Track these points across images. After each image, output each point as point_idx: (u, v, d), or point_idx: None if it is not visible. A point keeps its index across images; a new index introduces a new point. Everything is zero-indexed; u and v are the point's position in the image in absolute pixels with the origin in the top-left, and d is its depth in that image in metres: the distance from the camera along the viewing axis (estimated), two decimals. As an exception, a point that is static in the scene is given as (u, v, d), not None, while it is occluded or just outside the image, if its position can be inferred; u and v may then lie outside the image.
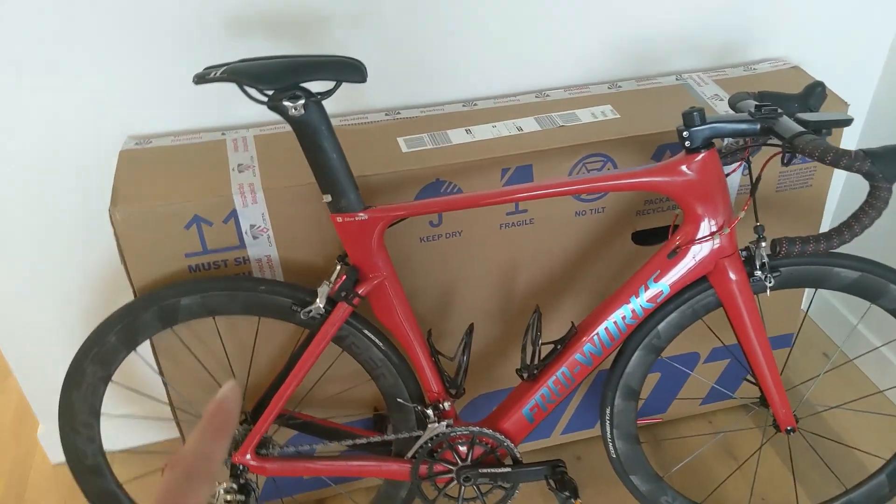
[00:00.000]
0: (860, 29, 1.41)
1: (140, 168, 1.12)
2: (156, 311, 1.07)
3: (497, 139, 1.17)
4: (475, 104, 1.27)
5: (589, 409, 1.47)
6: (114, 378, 1.11)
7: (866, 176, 0.90)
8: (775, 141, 0.99)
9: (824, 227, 1.67)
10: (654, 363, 1.18)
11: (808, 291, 1.80)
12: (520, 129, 1.19)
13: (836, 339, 1.72)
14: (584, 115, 1.22)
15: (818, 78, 1.34)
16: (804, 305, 1.76)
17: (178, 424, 1.23)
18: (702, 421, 1.57)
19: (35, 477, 1.50)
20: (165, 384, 1.19)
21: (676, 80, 1.31)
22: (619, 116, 1.22)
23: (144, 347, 1.12)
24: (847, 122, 0.99)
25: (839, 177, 1.63)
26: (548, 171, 1.16)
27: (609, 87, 1.30)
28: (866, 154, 0.90)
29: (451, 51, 1.24)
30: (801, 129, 0.95)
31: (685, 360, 1.45)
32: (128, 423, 1.50)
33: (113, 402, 1.44)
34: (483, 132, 1.18)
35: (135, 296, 1.11)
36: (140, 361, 1.36)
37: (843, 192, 1.66)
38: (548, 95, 1.28)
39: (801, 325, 1.42)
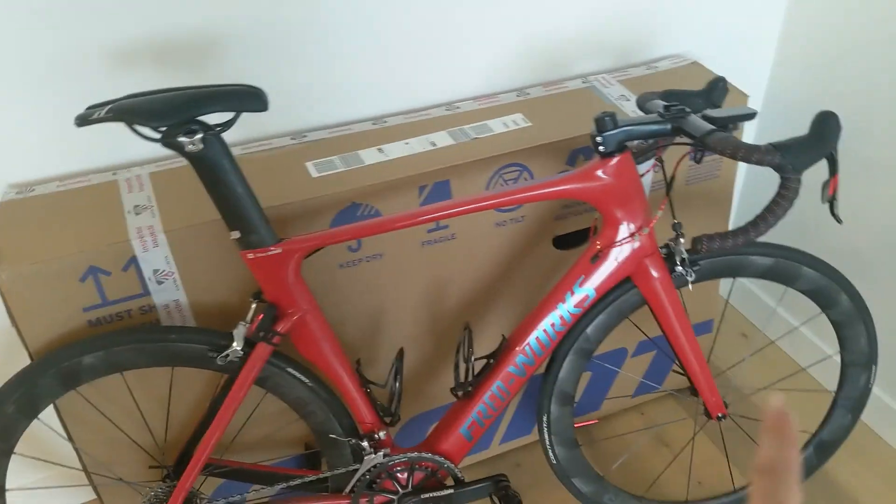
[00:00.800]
0: (750, 21, 1.45)
1: (24, 220, 1.02)
2: (55, 374, 0.98)
3: (411, 156, 1.13)
4: (385, 121, 1.23)
5: (525, 415, 1.46)
6: (16, 450, 1.01)
7: (777, 168, 0.92)
8: (686, 139, 1.00)
9: (732, 214, 1.73)
10: (585, 366, 1.18)
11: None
12: (433, 144, 1.16)
13: (757, 322, 1.78)
14: (496, 126, 1.20)
15: (715, 71, 1.37)
16: (725, 293, 1.82)
17: (94, 489, 1.14)
18: (635, 414, 1.59)
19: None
20: (76, 449, 1.09)
21: (583, 83, 1.32)
22: (530, 124, 1.21)
23: (49, 412, 1.03)
24: (751, 115, 1.01)
25: (743, 165, 1.68)
26: (465, 184, 1.13)
27: (518, 95, 1.29)
28: (775, 147, 0.92)
29: (355, 68, 1.20)
30: (711, 126, 0.96)
31: (614, 357, 1.47)
32: (39, 493, 1.38)
33: (20, 471, 1.32)
34: (396, 150, 1.15)
35: (31, 359, 1.01)
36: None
37: (746, 179, 1.71)
38: (458, 107, 1.26)
39: (724, 312, 1.45)
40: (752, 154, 0.91)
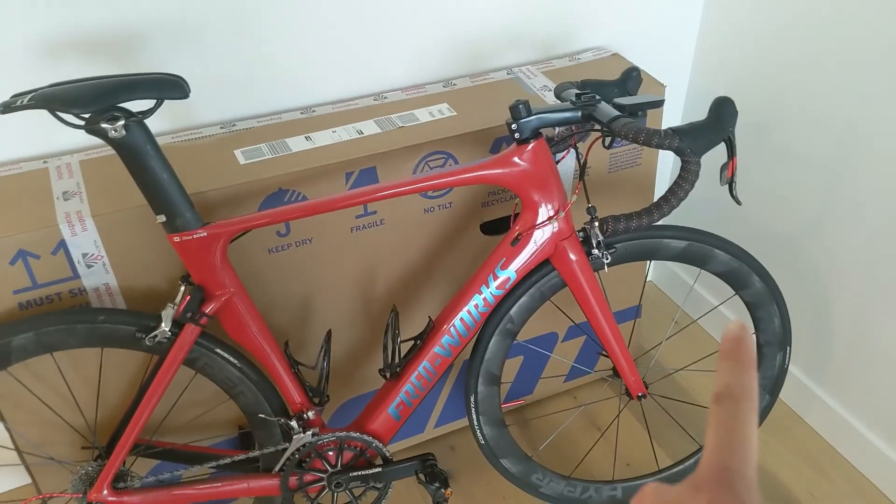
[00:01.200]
0: (670, 13, 1.52)
1: (-49, 204, 1.04)
2: (-16, 356, 1.00)
3: (338, 144, 1.17)
4: (313, 111, 1.26)
5: (458, 399, 1.51)
6: (-56, 432, 1.03)
7: (676, 152, 0.97)
8: (596, 126, 1.05)
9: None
10: (510, 347, 1.22)
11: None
12: (360, 132, 1.20)
13: (680, 302, 1.85)
14: (423, 115, 1.24)
15: (638, 63, 1.43)
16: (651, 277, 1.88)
17: (27, 469, 1.16)
18: (567, 398, 1.64)
19: None
20: (8, 430, 1.11)
21: (508, 74, 1.37)
22: (455, 114, 1.25)
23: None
24: (659, 103, 1.06)
25: (666, 154, 1.75)
26: (391, 171, 1.18)
27: (444, 86, 1.33)
28: (674, 132, 0.97)
29: (283, 58, 1.23)
30: (617, 113, 1.01)
31: (545, 341, 1.52)
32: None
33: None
34: (323, 138, 1.18)
35: (-42, 341, 1.03)
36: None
37: (672, 167, 1.78)
38: (385, 98, 1.30)
39: (641, 294, 1.51)
40: (652, 138, 0.96)
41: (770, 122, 1.46)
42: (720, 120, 0.98)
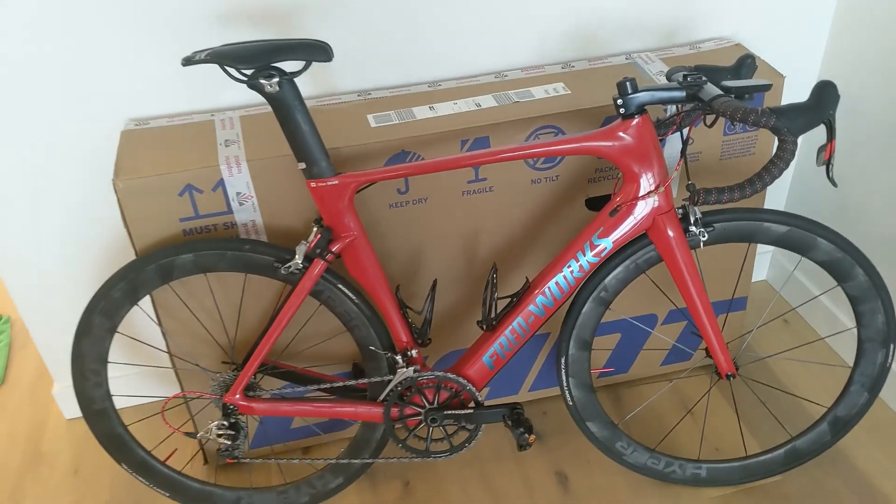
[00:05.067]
0: (802, 6, 1.52)
1: (139, 145, 1.26)
2: (154, 269, 1.21)
3: (457, 114, 1.29)
4: (439, 85, 1.40)
5: (553, 369, 1.59)
6: (119, 329, 1.25)
7: (773, 130, 1.01)
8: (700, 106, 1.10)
9: (769, 195, 1.78)
10: (602, 315, 1.30)
11: (763, 256, 1.90)
12: (478, 105, 1.32)
13: (779, 289, 1.82)
14: (538, 92, 1.34)
15: (763, 56, 1.45)
16: (762, 274, 1.86)
17: (175, 372, 1.37)
18: (661, 381, 1.67)
19: (50, 430, 1.65)
20: (164, 333, 1.33)
21: (626, 59, 1.43)
22: (569, 92, 1.34)
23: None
24: (766, 87, 1.09)
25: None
26: (503, 142, 1.28)
27: (563, 68, 1.42)
28: (772, 111, 1.01)
29: (417, 36, 1.38)
30: (719, 92, 1.06)
31: (644, 322, 1.57)
32: (130, 384, 1.64)
33: (118, 357, 1.58)
34: (445, 109, 1.31)
35: (136, 256, 1.25)
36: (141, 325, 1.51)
37: (794, 164, 1.76)
38: (506, 76, 1.41)
39: (741, 274, 1.51)
40: (749, 115, 1.01)
41: (898, 119, 1.43)
42: (821, 103, 1.01)
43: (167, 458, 1.39)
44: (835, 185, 1.04)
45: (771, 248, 1.89)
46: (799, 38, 1.55)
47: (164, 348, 1.35)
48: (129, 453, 1.34)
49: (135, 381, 1.65)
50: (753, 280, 1.91)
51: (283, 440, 1.53)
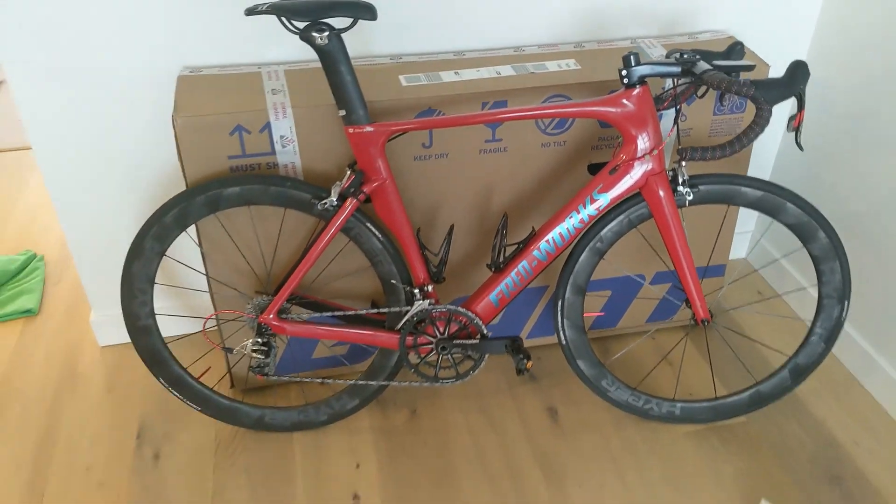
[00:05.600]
0: (791, 5, 1.70)
1: (195, 88, 1.42)
2: (204, 199, 1.36)
3: (479, 80, 1.46)
4: (464, 54, 1.56)
5: (550, 319, 1.76)
6: (167, 254, 1.40)
7: (752, 99, 1.18)
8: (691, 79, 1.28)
9: (755, 171, 1.97)
10: (597, 264, 1.46)
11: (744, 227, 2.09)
12: (498, 73, 1.48)
13: (746, 255, 2.02)
14: (552, 66, 1.51)
15: (754, 49, 1.63)
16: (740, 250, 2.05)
17: (211, 297, 1.53)
18: (647, 338, 1.85)
19: (85, 357, 1.80)
20: (203, 256, 1.48)
21: (631, 43, 1.60)
22: (580, 68, 1.51)
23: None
24: (750, 67, 1.27)
25: (772, 137, 1.92)
26: (519, 105, 1.45)
27: (574, 47, 1.59)
28: (752, 83, 1.19)
29: (447, 10, 1.54)
30: (709, 67, 1.24)
31: (633, 280, 1.74)
32: (170, 320, 1.79)
33: (161, 297, 1.73)
34: (469, 74, 1.48)
35: (187, 187, 1.40)
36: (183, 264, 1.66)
37: (777, 149, 1.94)
38: (524, 50, 1.58)
39: (718, 236, 1.70)
40: (732, 85, 1.18)
41: (869, 109, 1.61)
42: (794, 78, 1.19)
43: (201, 376, 1.54)
44: (801, 149, 1.22)
45: (750, 230, 2.07)
46: (786, 32, 1.74)
47: (204, 273, 1.50)
48: (167, 368, 1.48)
49: (173, 318, 1.80)
50: (734, 257, 2.10)
51: (304, 369, 1.69)
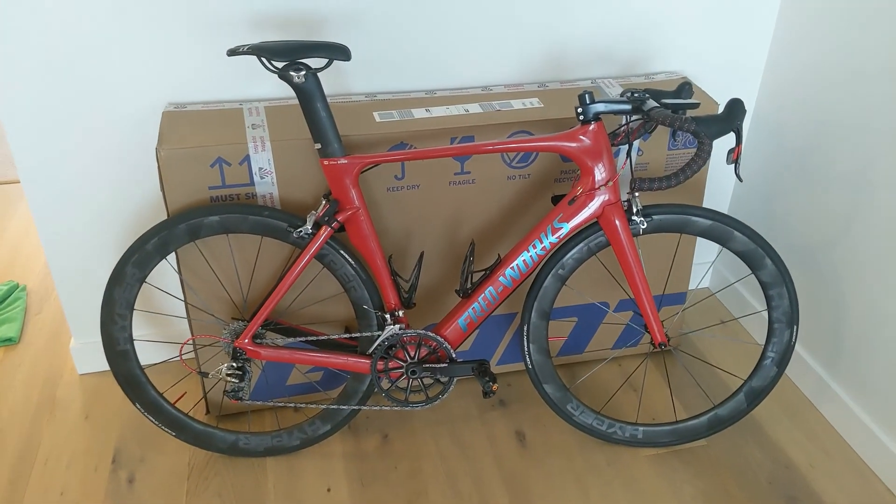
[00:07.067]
0: (740, 50, 1.82)
1: (178, 123, 1.50)
2: (185, 227, 1.43)
3: (449, 116, 1.55)
4: (435, 93, 1.66)
5: (517, 346, 1.82)
6: (147, 280, 1.46)
7: (693, 134, 1.28)
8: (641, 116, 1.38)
9: (711, 204, 2.07)
10: (560, 289, 1.54)
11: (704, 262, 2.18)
12: (466, 110, 1.58)
13: (702, 282, 2.13)
14: (517, 104, 1.61)
15: (707, 90, 1.74)
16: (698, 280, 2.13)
17: (189, 323, 1.58)
18: (612, 363, 1.92)
19: (64, 384, 1.83)
20: (182, 282, 1.53)
21: (591, 83, 1.71)
22: (542, 106, 1.61)
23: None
24: (693, 105, 1.38)
25: (715, 162, 2.03)
26: (485, 140, 1.54)
27: (538, 86, 1.70)
28: (693, 119, 1.29)
29: (418, 52, 1.64)
30: (656, 105, 1.34)
31: (597, 308, 1.81)
32: (146, 347, 1.84)
33: (140, 325, 1.78)
34: (439, 111, 1.57)
35: (168, 216, 1.46)
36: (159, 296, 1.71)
37: (735, 183, 2.05)
38: (491, 89, 1.68)
39: (671, 267, 1.79)
40: (675, 122, 1.28)
41: (814, 145, 1.72)
42: (731, 114, 1.29)
43: (177, 401, 1.58)
44: (741, 180, 1.32)
45: (711, 259, 2.17)
46: (736, 73, 1.86)
47: (182, 300, 1.55)
48: (143, 393, 1.53)
49: (150, 345, 1.85)
50: (697, 287, 2.18)
51: (279, 395, 1.73)
